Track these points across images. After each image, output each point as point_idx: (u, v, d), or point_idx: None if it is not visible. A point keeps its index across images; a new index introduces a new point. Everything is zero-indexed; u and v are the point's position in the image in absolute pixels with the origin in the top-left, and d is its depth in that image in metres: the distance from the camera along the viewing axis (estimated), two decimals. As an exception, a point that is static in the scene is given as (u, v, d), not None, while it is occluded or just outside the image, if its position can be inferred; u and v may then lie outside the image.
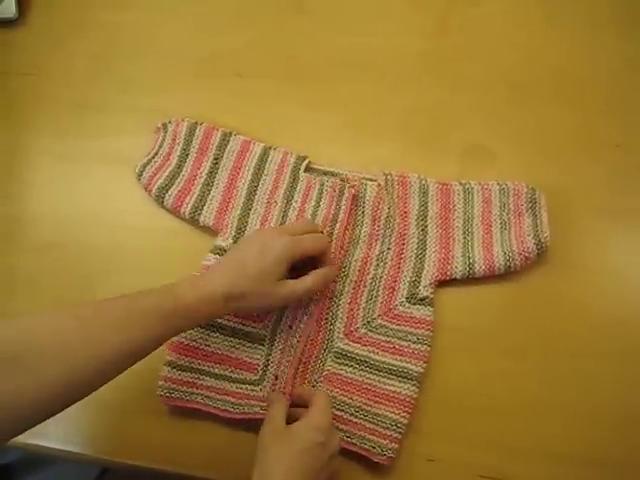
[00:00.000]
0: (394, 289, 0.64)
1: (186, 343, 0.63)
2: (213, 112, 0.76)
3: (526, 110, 0.73)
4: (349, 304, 0.64)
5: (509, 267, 0.63)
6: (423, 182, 0.68)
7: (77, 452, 0.63)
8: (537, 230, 0.64)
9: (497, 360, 0.63)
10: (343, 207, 0.67)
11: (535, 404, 0.61)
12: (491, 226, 0.66)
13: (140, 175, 0.72)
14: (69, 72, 0.81)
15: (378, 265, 0.66)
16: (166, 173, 0.71)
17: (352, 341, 0.63)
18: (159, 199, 0.70)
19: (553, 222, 0.65)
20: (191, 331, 0.63)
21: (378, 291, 0.65)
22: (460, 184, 0.68)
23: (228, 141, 0.73)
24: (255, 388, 0.61)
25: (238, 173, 0.71)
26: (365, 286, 0.65)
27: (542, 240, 0.63)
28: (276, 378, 0.62)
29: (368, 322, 0.63)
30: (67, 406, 0.48)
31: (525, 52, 0.76)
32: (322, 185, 0.69)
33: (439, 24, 0.78)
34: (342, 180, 0.68)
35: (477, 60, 0.76)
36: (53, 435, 0.64)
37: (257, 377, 0.62)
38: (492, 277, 0.64)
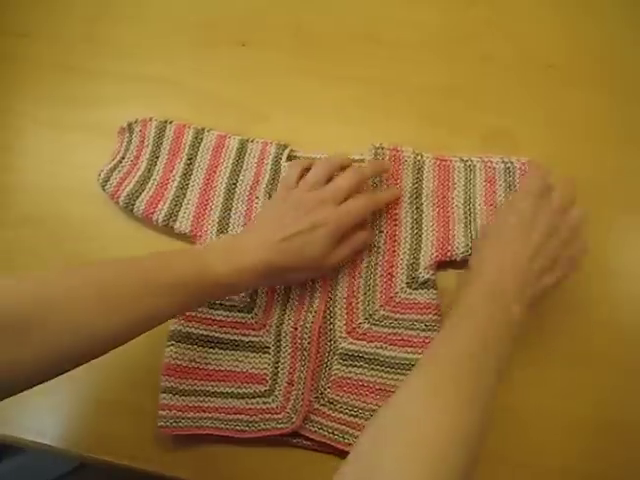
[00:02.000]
0: (392, 275, 0.61)
1: (184, 365, 0.59)
2: (214, 83, 0.73)
3: (558, 95, 0.68)
4: (346, 298, 0.61)
5: None
6: (418, 158, 0.64)
7: (54, 446, 0.60)
8: None
9: None
10: None
11: (543, 415, 0.57)
12: (496, 206, 0.62)
13: (105, 182, 0.67)
14: (61, 34, 0.78)
15: (371, 251, 0.62)
16: (135, 178, 0.67)
17: (356, 339, 0.60)
18: (128, 207, 0.66)
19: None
20: (187, 351, 0.60)
21: (375, 280, 0.61)
22: (461, 160, 0.64)
23: (202, 138, 0.68)
24: (267, 400, 0.58)
25: (215, 172, 0.67)
26: (360, 276, 0.62)
27: None
28: (291, 384, 0.58)
29: (370, 315, 0.60)
30: (70, 370, 0.46)
31: (560, 31, 0.71)
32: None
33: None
34: None
35: (505, 37, 0.71)
36: (30, 427, 0.61)
37: (267, 388, 0.59)
38: None
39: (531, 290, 0.51)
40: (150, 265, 0.50)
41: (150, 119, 0.69)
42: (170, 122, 0.69)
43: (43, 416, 0.62)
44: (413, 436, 0.40)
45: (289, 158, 0.66)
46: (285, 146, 0.67)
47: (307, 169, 0.61)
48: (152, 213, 0.65)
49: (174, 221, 0.65)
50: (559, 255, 0.52)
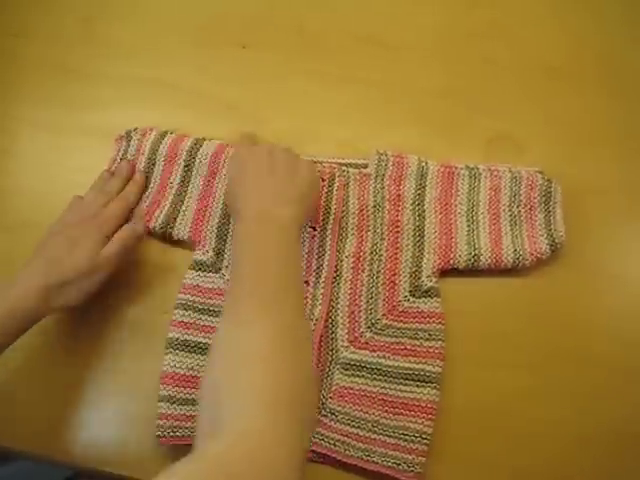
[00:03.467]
0: (395, 283, 0.60)
1: (182, 373, 0.58)
2: (214, 85, 0.72)
3: (562, 98, 0.67)
4: (348, 307, 0.60)
5: (517, 265, 0.59)
6: (423, 164, 0.63)
7: (49, 455, 0.60)
8: (550, 229, 0.60)
9: (501, 373, 0.58)
10: (335, 198, 0.63)
11: (541, 423, 0.56)
12: (499, 217, 0.61)
13: None
14: (59, 35, 0.76)
15: (373, 259, 0.61)
16: None
17: (358, 348, 0.58)
18: None
19: (586, 224, 0.61)
20: (185, 359, 0.58)
21: (378, 288, 0.60)
22: (466, 168, 0.63)
23: (201, 145, 0.66)
24: None
25: (214, 178, 0.66)
26: (362, 285, 0.60)
27: (556, 241, 0.59)
28: None
29: (372, 324, 0.59)
30: None
31: (562, 34, 0.70)
32: None
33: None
34: (327, 168, 0.64)
35: (507, 40, 0.70)
36: (25, 436, 0.60)
37: (266, 397, 0.58)
38: (497, 273, 0.60)
39: (287, 192, 0.55)
40: None
41: (151, 129, 0.68)
42: (171, 132, 0.67)
43: (38, 425, 0.60)
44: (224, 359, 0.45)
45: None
46: None
47: None
48: (149, 221, 0.64)
49: (171, 228, 0.64)
50: (291, 163, 0.58)
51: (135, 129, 0.68)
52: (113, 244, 0.59)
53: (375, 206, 0.62)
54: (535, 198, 0.61)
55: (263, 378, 0.42)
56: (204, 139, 0.67)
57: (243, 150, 0.61)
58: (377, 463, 0.55)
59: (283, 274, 0.50)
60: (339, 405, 0.57)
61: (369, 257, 0.61)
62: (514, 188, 0.61)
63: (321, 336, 0.58)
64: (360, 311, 0.60)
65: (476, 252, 0.60)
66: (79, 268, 0.57)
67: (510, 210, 0.61)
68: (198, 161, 0.66)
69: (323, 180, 0.63)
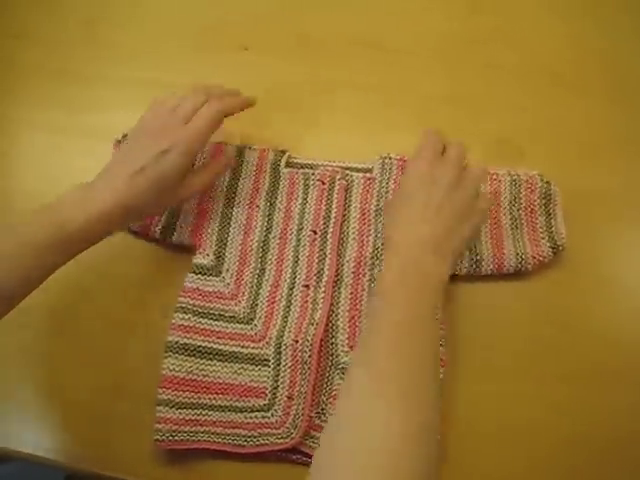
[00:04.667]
0: None
1: (181, 377, 0.57)
2: None
3: (565, 103, 0.67)
4: (349, 312, 0.60)
5: (519, 269, 0.59)
6: None
7: (44, 457, 0.59)
8: (552, 231, 0.60)
9: (502, 378, 0.58)
10: (335, 201, 0.62)
11: (538, 431, 0.56)
12: (500, 221, 0.61)
13: None
14: (59, 37, 0.76)
15: (374, 264, 0.61)
16: None
17: None
18: None
19: (588, 227, 0.61)
20: (185, 363, 0.58)
21: None
22: None
23: None
24: (266, 414, 0.57)
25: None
26: (363, 289, 0.60)
27: (558, 243, 0.59)
28: (291, 399, 0.57)
29: (373, 329, 0.59)
30: None
31: (565, 39, 0.70)
32: (307, 179, 0.63)
33: (468, 3, 0.72)
34: (328, 172, 0.63)
35: (511, 46, 0.70)
36: (16, 438, 0.59)
37: (266, 402, 0.57)
38: (499, 277, 0.60)
39: (448, 243, 0.51)
40: (5, 235, 0.50)
41: None
42: None
43: (33, 426, 0.60)
44: (365, 444, 0.41)
45: (288, 164, 0.65)
46: (283, 152, 0.65)
47: None
48: (149, 226, 0.64)
49: (172, 233, 0.63)
50: (467, 206, 0.53)
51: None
52: (203, 176, 0.58)
53: (377, 210, 0.62)
54: (535, 201, 0.60)
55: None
56: None
57: (424, 166, 0.54)
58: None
59: (427, 354, 0.47)
60: (339, 410, 0.57)
61: (370, 262, 0.61)
62: (514, 191, 0.61)
63: (321, 340, 0.57)
64: (361, 316, 0.59)
65: (477, 257, 0.60)
66: (163, 194, 0.55)
67: (511, 214, 0.61)
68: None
69: (323, 183, 0.63)
